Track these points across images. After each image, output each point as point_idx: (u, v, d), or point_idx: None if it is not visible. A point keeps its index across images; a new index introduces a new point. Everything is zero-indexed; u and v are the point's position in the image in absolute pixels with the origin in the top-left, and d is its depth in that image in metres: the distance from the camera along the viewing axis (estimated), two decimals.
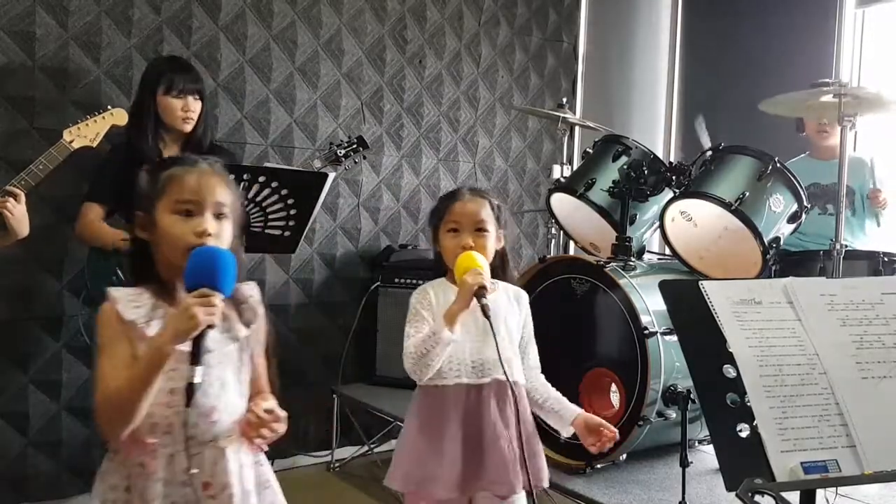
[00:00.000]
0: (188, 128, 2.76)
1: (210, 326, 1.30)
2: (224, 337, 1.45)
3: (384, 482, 1.92)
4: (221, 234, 1.44)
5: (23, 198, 2.28)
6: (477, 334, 1.83)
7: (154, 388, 1.31)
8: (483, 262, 1.76)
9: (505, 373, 1.68)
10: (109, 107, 2.56)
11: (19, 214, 2.27)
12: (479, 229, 1.87)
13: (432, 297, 1.88)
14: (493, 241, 1.90)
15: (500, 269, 1.95)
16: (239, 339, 1.47)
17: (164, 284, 1.42)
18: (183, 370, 1.31)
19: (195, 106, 2.75)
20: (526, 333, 1.98)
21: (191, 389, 1.28)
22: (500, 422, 1.82)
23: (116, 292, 1.41)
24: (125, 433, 1.35)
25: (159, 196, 1.42)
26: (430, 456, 1.81)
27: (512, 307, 1.94)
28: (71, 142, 2.41)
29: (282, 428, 1.45)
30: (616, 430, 1.84)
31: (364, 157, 3.32)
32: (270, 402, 1.49)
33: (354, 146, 3.14)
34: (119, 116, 2.55)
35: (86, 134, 2.45)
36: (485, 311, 1.68)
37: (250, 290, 1.53)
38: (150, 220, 1.43)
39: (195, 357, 1.30)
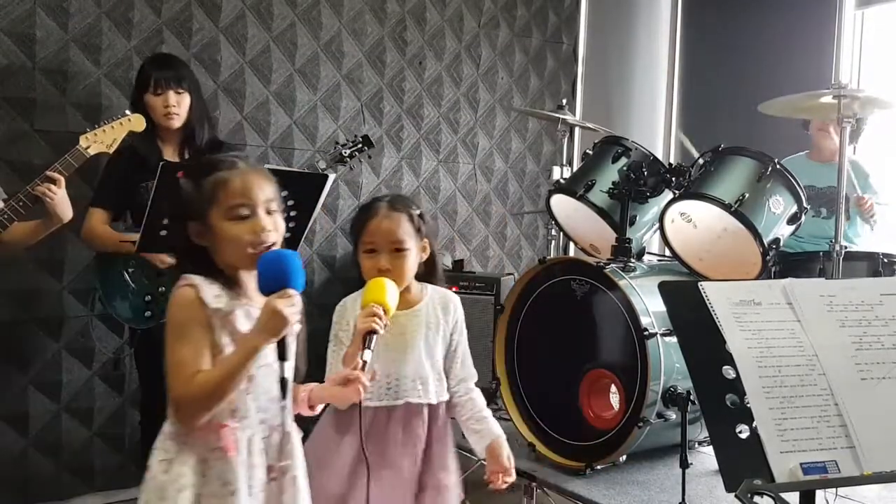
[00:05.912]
0: (174, 123, 2.69)
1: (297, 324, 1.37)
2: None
3: None
4: (277, 228, 1.49)
5: (62, 182, 2.32)
6: (396, 354, 1.76)
7: (244, 379, 1.39)
8: (391, 291, 1.65)
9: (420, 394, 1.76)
10: (128, 112, 2.50)
11: (60, 199, 2.32)
12: (397, 249, 1.78)
13: (350, 317, 1.80)
14: (414, 257, 1.81)
15: (427, 277, 1.89)
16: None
17: (229, 279, 1.46)
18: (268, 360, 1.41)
19: (175, 100, 2.67)
20: (455, 341, 1.90)
21: (284, 384, 1.38)
22: (403, 444, 1.79)
23: (196, 278, 1.44)
24: (205, 419, 1.39)
25: (210, 204, 1.45)
26: (325, 460, 1.79)
27: (436, 318, 1.86)
28: (87, 148, 2.39)
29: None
30: (513, 477, 1.81)
31: (369, 157, 3.30)
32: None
33: (360, 146, 3.12)
34: (137, 122, 2.49)
35: (102, 140, 2.42)
36: (364, 362, 1.54)
37: None
38: (205, 228, 1.46)
39: (282, 353, 1.38)
